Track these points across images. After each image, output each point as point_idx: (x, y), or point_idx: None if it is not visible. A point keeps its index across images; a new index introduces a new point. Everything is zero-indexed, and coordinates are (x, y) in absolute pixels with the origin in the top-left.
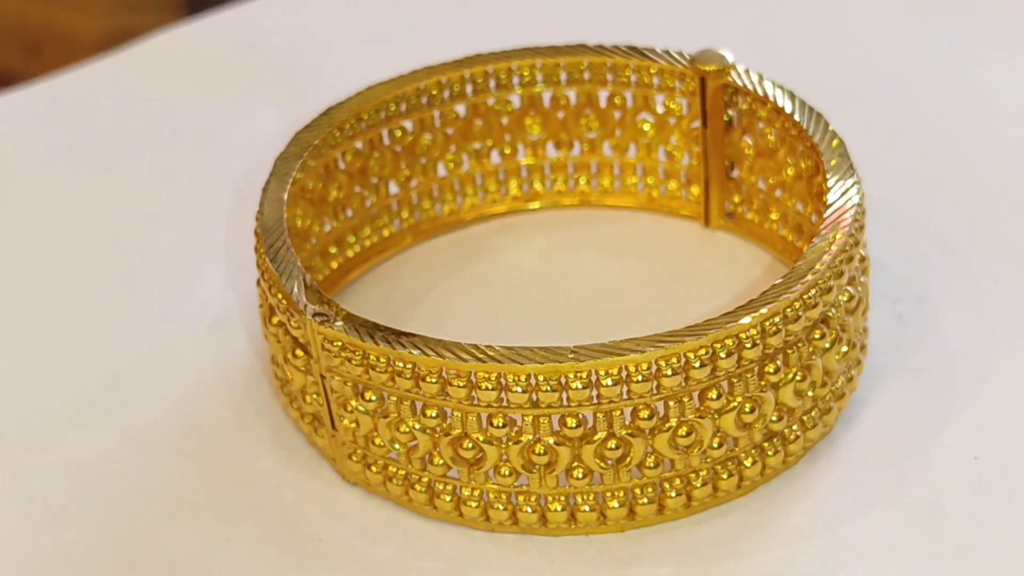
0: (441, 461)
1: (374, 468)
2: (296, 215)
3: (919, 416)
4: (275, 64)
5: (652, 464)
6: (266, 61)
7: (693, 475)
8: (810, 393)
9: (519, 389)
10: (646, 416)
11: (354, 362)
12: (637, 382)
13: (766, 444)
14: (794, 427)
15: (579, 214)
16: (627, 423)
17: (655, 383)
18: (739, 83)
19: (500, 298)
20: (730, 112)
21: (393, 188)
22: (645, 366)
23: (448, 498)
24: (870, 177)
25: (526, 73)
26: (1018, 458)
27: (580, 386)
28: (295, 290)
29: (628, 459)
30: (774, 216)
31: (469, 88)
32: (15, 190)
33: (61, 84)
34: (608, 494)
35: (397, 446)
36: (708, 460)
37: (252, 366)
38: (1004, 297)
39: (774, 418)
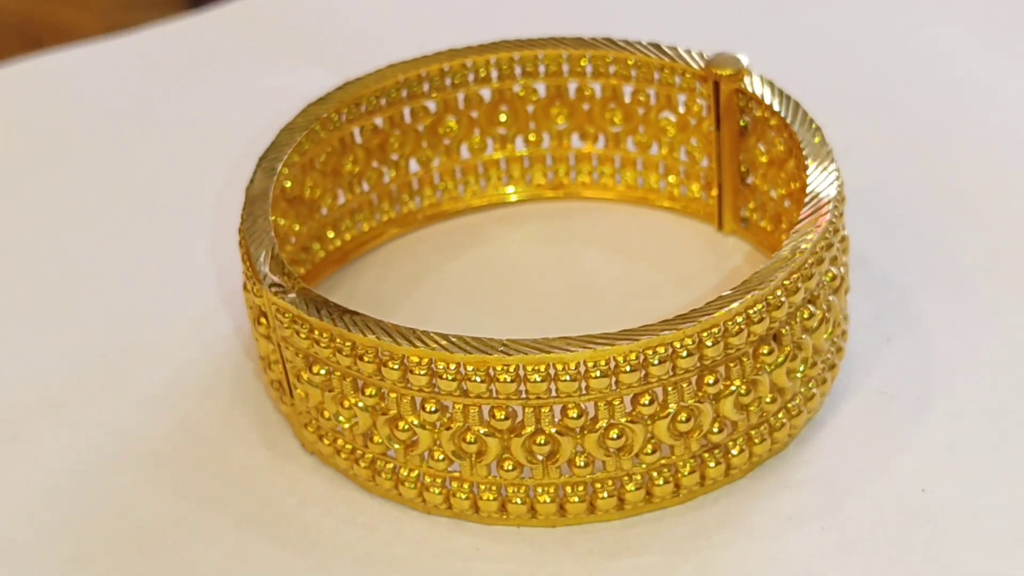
0: (380, 440)
1: (325, 440)
2: (307, 185)
3: (877, 438)
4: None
5: (582, 463)
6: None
7: (626, 478)
8: (754, 408)
9: (448, 377)
10: (574, 415)
11: (302, 335)
12: (564, 381)
13: (706, 455)
14: (739, 440)
15: (593, 207)
16: (556, 420)
17: (583, 383)
18: (750, 90)
19: (498, 285)
20: (745, 118)
21: (414, 166)
22: (573, 366)
23: (387, 476)
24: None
25: (551, 65)
26: (968, 489)
27: (508, 379)
28: (261, 259)
29: (556, 456)
30: (784, 226)
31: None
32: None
33: (57, 63)
34: (539, 489)
35: (341, 419)
36: (642, 465)
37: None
38: (987, 309)
39: (715, 429)
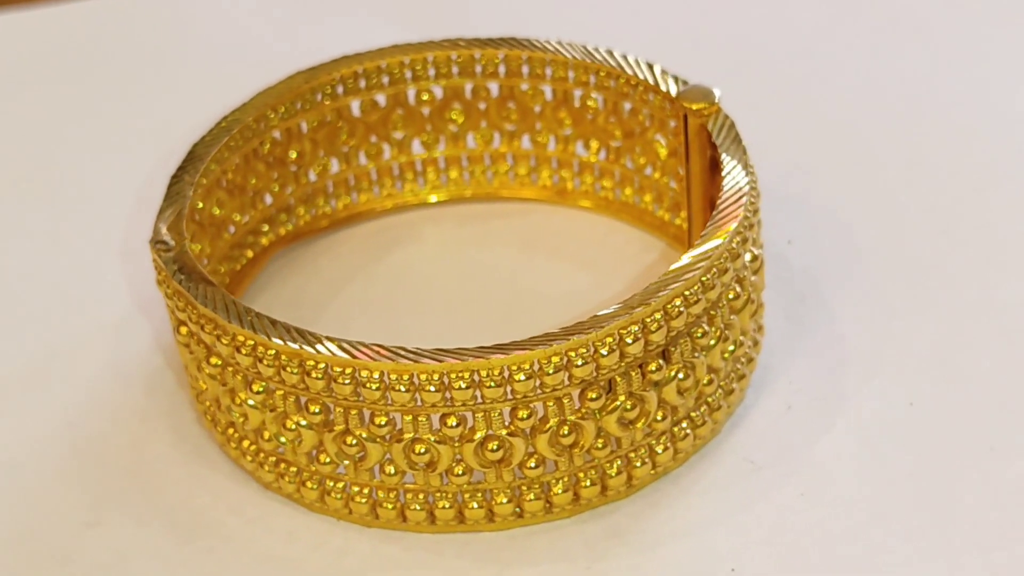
0: (269, 436)
1: (218, 429)
2: (214, 203)
3: (805, 419)
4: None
5: (534, 464)
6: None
7: (525, 487)
8: (640, 425)
9: (317, 376)
10: (454, 423)
11: (170, 295)
12: (429, 391)
13: (580, 474)
14: (617, 462)
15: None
16: (435, 429)
17: (446, 393)
18: (709, 128)
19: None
20: (712, 153)
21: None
22: (437, 376)
23: (268, 469)
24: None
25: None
26: (902, 458)
27: (374, 387)
28: (166, 214)
29: (435, 465)
30: None
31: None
32: None
33: None
34: (438, 495)
35: (235, 414)
36: (521, 479)
37: None
38: (900, 292)
39: (599, 444)
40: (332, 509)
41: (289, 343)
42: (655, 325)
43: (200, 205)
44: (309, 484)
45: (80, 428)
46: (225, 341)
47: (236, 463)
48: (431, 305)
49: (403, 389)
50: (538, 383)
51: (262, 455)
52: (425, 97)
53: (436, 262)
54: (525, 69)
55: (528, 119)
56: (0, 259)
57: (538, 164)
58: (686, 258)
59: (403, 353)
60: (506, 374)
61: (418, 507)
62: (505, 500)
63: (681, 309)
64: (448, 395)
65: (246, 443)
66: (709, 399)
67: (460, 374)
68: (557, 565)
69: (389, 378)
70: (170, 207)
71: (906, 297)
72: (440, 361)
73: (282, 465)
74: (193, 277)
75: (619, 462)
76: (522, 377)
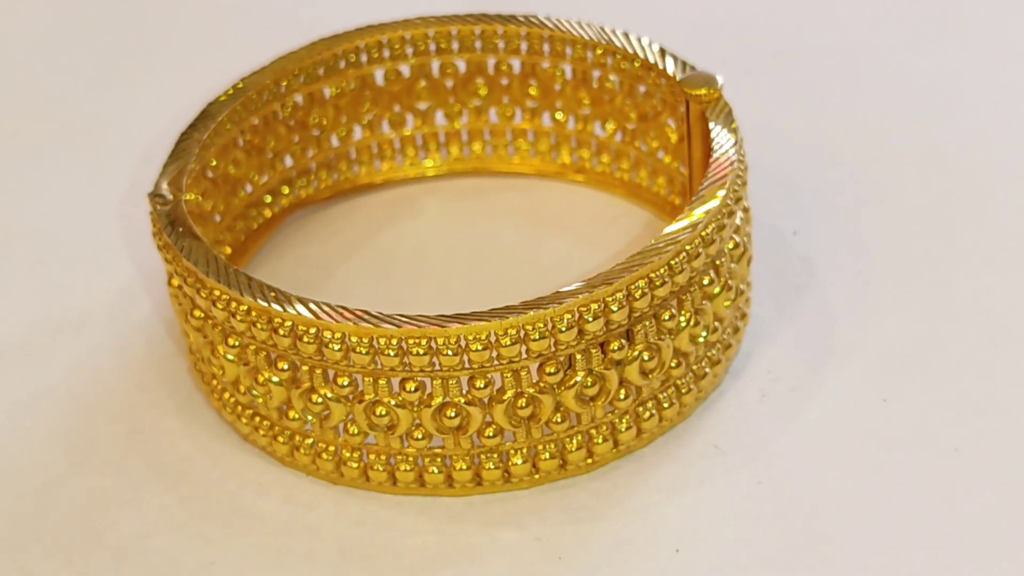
0: (244, 389)
1: (215, 394)
2: (229, 162)
3: (777, 409)
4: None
5: (492, 434)
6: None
7: (484, 456)
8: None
9: (284, 333)
10: (412, 388)
11: (161, 247)
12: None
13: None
14: (578, 437)
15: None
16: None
17: (404, 358)
18: (708, 114)
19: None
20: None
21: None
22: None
23: (245, 421)
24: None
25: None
26: (865, 454)
27: (363, 352)
28: (168, 170)
29: (394, 427)
30: None
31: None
32: None
33: None
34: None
35: (215, 368)
36: (479, 447)
37: None
38: (896, 288)
39: (557, 419)
40: (301, 464)
41: (260, 301)
42: (616, 305)
43: (214, 163)
44: (280, 439)
45: (79, 375)
46: (204, 295)
47: (219, 414)
48: (435, 274)
49: (364, 352)
50: (495, 354)
51: (239, 408)
52: (449, 70)
53: (447, 233)
54: (546, 47)
55: (549, 97)
56: (13, 215)
57: (558, 142)
58: (654, 241)
59: (365, 317)
60: (463, 343)
61: (380, 468)
62: (464, 467)
63: (645, 291)
64: (406, 360)
65: (227, 395)
66: (678, 382)
67: (418, 340)
68: (508, 532)
69: (350, 340)
70: (174, 163)
71: (900, 294)
72: (399, 326)
73: (257, 419)
74: (182, 232)
75: (579, 437)
76: (479, 347)
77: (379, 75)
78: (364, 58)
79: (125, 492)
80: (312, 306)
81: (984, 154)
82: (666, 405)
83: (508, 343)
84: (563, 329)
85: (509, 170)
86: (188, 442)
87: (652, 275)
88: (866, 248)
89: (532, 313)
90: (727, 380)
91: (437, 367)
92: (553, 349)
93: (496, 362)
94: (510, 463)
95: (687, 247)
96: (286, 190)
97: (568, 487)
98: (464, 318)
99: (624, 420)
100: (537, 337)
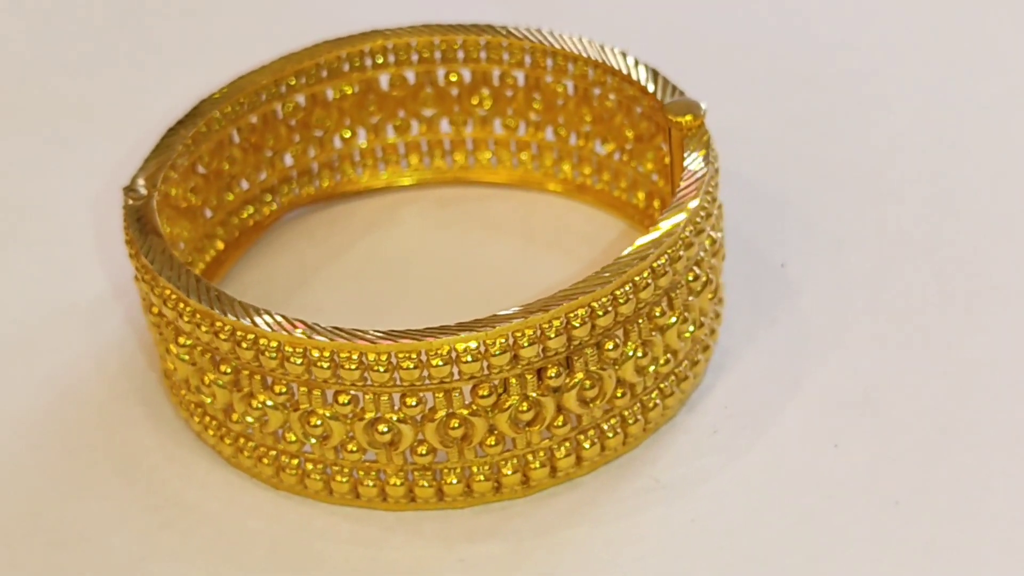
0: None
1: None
2: (223, 160)
3: (727, 441)
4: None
5: (424, 452)
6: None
7: (417, 473)
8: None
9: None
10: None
11: (127, 241)
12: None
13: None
14: (513, 461)
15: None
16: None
17: (337, 371)
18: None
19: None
20: None
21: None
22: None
23: (197, 419)
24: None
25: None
26: (838, 472)
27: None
28: (148, 165)
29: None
30: None
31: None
32: None
33: None
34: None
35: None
36: (411, 464)
37: None
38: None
39: (491, 442)
40: (244, 467)
41: (203, 303)
42: (553, 332)
43: (206, 159)
44: (226, 440)
45: (60, 375)
46: (157, 292)
47: (175, 410)
48: (414, 284)
49: (298, 362)
50: (426, 373)
51: (192, 406)
52: (453, 79)
53: (431, 242)
54: (549, 62)
55: (552, 112)
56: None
57: (560, 157)
58: (600, 270)
59: (300, 327)
60: (394, 361)
61: (317, 477)
62: (398, 483)
63: (585, 320)
64: (339, 374)
65: (182, 392)
66: (624, 412)
67: (349, 354)
68: (433, 551)
69: (285, 349)
70: (156, 158)
71: (881, 340)
72: (331, 339)
73: (207, 418)
74: (144, 228)
75: (515, 461)
76: (410, 366)
77: (384, 80)
78: (368, 62)
79: (78, 482)
80: (251, 311)
81: (960, 157)
82: (610, 435)
83: (439, 363)
84: (496, 353)
85: (494, 180)
86: (147, 436)
87: (594, 304)
88: (857, 284)
89: (463, 335)
90: (683, 413)
91: (369, 382)
92: (486, 372)
93: (427, 381)
94: (443, 482)
95: (635, 278)
96: (284, 189)
97: (502, 510)
98: (396, 335)
99: (563, 447)
100: (469, 360)
